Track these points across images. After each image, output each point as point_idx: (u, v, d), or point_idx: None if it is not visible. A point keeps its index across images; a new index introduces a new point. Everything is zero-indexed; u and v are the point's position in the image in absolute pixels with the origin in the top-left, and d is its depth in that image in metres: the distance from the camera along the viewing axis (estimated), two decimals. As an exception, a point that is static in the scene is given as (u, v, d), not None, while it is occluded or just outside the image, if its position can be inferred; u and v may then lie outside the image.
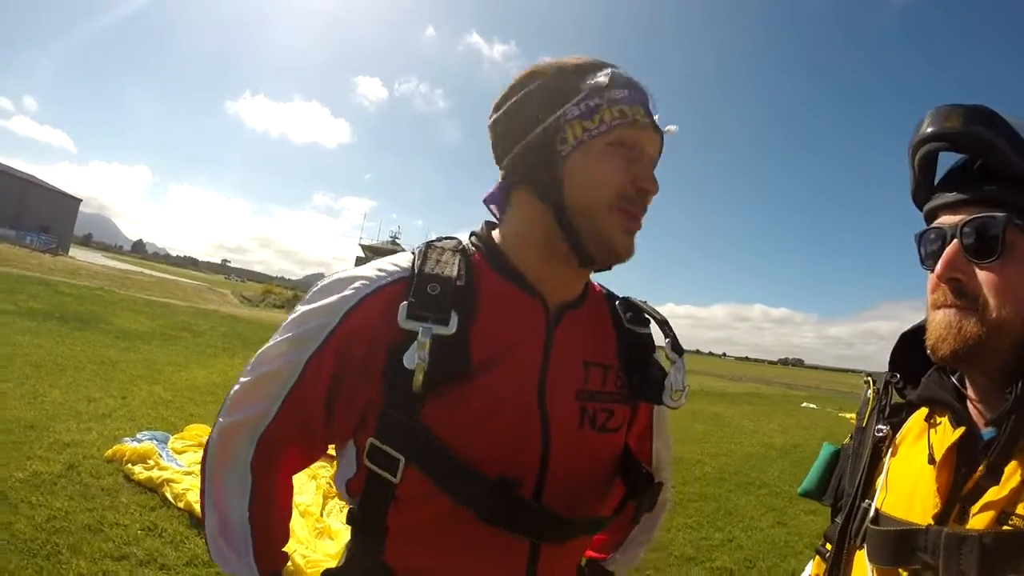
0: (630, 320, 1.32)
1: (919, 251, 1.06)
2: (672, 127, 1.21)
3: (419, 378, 1.02)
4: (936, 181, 1.06)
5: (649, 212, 1.20)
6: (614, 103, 1.13)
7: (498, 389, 1.09)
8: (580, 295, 1.26)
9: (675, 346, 1.28)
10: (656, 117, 1.17)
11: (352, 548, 1.20)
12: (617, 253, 1.16)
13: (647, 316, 1.33)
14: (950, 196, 1.00)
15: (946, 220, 1.00)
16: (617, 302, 1.35)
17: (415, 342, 1.03)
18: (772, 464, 10.32)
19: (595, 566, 1.50)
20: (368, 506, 1.12)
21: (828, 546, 1.19)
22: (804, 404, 27.13)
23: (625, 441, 1.31)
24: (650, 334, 1.34)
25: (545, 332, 1.18)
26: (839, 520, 1.16)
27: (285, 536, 1.25)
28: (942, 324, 0.96)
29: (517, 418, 1.10)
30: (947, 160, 1.04)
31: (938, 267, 0.97)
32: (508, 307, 1.16)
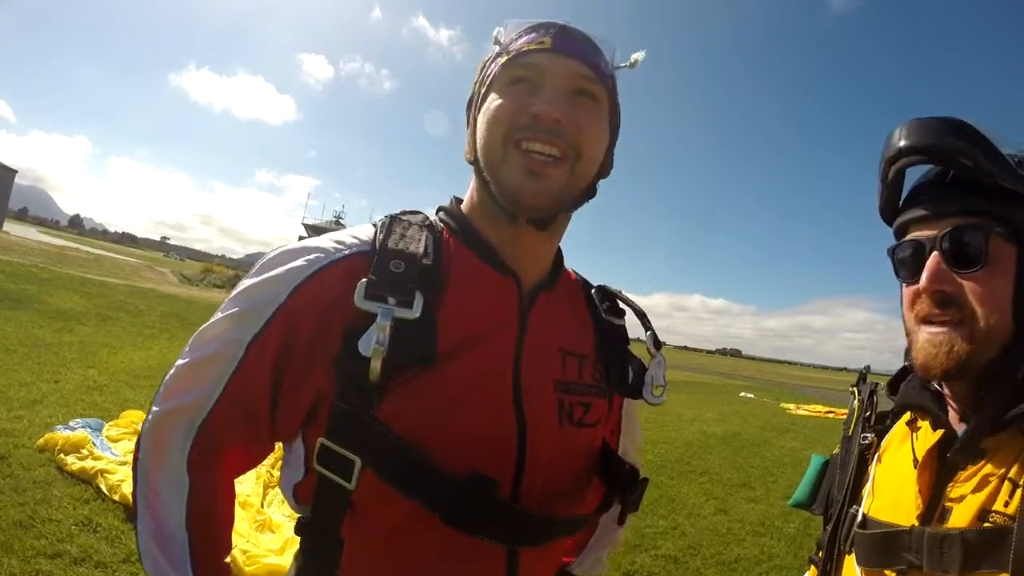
0: (607, 310, 1.25)
1: (894, 264, 1.06)
2: (636, 55, 1.14)
3: (376, 366, 0.91)
4: (903, 196, 1.07)
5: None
6: (513, 49, 1.07)
7: (468, 379, 1.00)
8: (551, 274, 1.19)
9: (655, 340, 1.23)
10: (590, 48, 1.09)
11: (302, 562, 1.06)
12: (518, 198, 1.04)
13: (623, 306, 1.28)
14: (925, 209, 1.01)
15: (923, 232, 1.00)
16: (593, 290, 1.29)
17: (374, 325, 0.92)
18: (712, 452, 10.54)
19: (559, 570, 1.38)
20: (320, 515, 1.01)
21: (821, 554, 1.20)
22: (742, 394, 27.87)
23: (603, 437, 1.23)
24: (624, 325, 1.28)
25: (519, 315, 1.09)
26: (830, 528, 1.17)
27: (227, 546, 1.12)
28: (932, 343, 0.97)
29: (490, 411, 1.01)
30: (912, 174, 1.05)
31: (924, 279, 0.97)
32: (479, 288, 1.08)
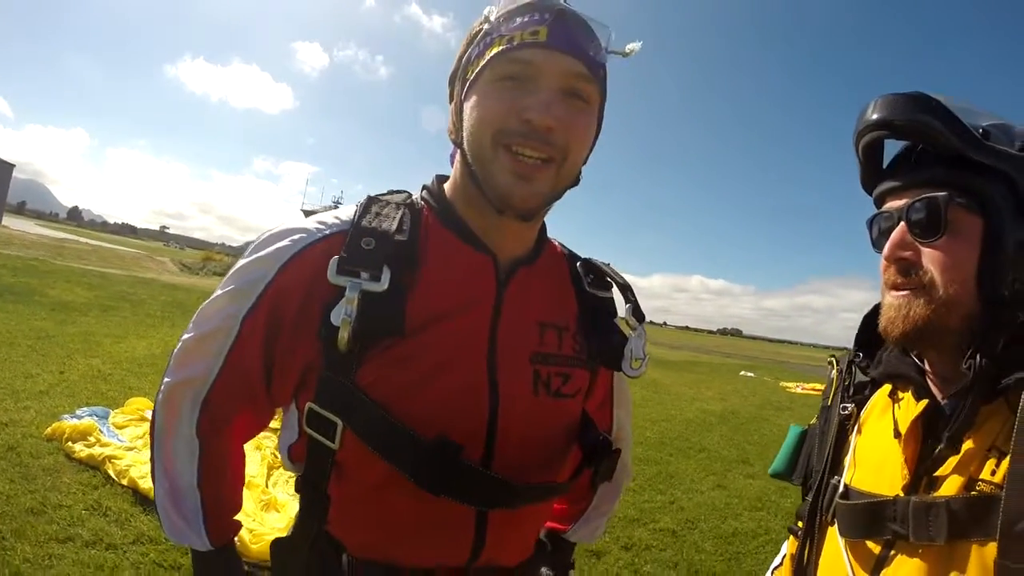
0: (591, 283, 1.27)
1: (870, 234, 1.09)
2: (633, 45, 1.11)
3: (344, 335, 0.97)
4: (884, 167, 1.09)
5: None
6: (505, 34, 1.04)
7: (441, 350, 1.05)
8: (533, 250, 1.21)
9: (636, 313, 1.25)
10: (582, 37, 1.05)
11: (298, 516, 1.15)
12: (506, 199, 1.05)
13: (609, 279, 1.29)
14: (895, 181, 1.04)
15: (893, 204, 1.03)
16: (579, 263, 1.30)
17: (343, 298, 0.98)
18: (711, 430, 10.62)
19: (555, 537, 1.46)
20: (310, 474, 1.09)
21: (800, 524, 1.21)
22: (742, 372, 27.88)
23: (584, 407, 1.27)
24: (611, 298, 1.30)
25: (495, 290, 1.13)
26: (809, 498, 1.18)
27: (237, 504, 1.21)
28: (892, 307, 1.00)
29: (462, 382, 1.06)
30: (893, 147, 1.07)
31: (886, 248, 1.01)
32: (455, 264, 1.11)
